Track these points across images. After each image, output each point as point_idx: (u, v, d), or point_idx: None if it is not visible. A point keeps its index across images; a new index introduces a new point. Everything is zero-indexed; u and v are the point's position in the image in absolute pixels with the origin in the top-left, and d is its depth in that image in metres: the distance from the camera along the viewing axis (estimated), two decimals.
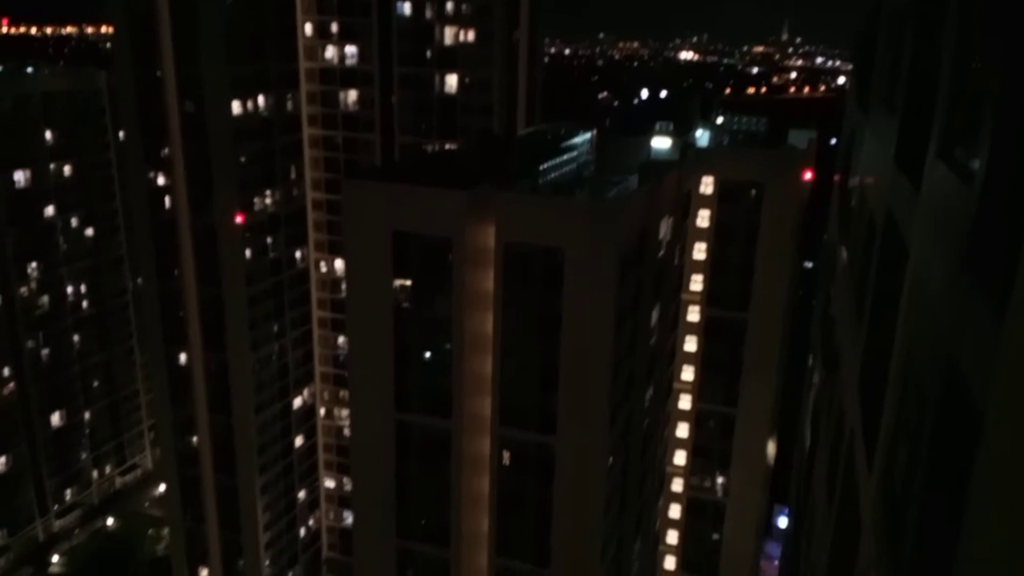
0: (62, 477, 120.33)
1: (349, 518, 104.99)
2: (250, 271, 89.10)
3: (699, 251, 64.24)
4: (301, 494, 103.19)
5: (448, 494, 49.59)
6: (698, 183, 63.36)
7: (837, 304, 24.78)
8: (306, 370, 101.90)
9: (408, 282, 48.47)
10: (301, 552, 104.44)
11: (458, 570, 50.74)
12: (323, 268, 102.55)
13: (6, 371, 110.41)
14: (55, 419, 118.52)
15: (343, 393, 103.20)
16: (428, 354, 50.11)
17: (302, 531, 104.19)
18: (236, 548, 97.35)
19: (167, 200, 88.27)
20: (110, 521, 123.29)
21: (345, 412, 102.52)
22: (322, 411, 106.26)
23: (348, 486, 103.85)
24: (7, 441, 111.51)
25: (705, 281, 64.65)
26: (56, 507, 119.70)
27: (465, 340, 46.69)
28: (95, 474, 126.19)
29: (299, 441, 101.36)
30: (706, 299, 65.01)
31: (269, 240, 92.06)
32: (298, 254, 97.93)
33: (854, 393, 15.63)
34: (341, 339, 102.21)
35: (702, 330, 65.63)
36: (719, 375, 66.29)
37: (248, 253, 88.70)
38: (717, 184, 63.65)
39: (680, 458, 68.97)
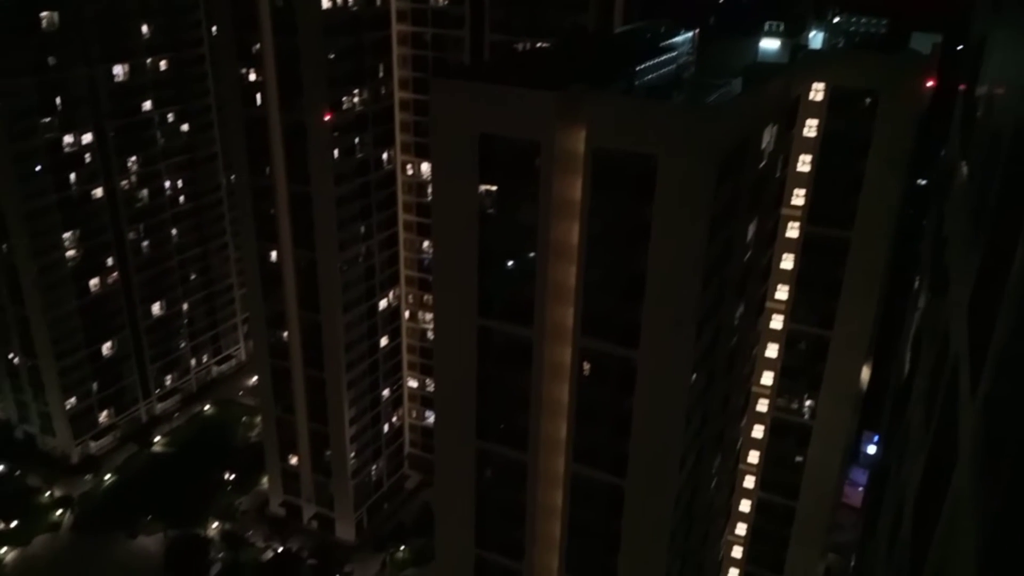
0: (163, 363, 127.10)
1: (431, 417, 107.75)
2: (338, 170, 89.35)
3: (803, 163, 60.27)
4: (385, 392, 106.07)
5: (528, 400, 49.37)
6: (808, 89, 58.92)
7: (951, 223, 22.95)
8: (391, 273, 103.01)
9: (494, 187, 47.05)
10: (385, 447, 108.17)
11: (535, 473, 50.99)
12: (409, 171, 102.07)
13: (110, 261, 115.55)
14: (155, 308, 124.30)
15: (427, 297, 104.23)
16: (512, 261, 49.04)
17: (386, 427, 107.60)
18: (323, 439, 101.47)
19: (258, 96, 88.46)
20: (207, 407, 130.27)
21: (429, 316, 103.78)
22: (407, 314, 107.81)
23: (431, 387, 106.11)
24: (112, 327, 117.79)
25: (808, 196, 60.85)
26: (157, 391, 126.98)
27: (550, 248, 45.33)
28: (193, 362, 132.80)
29: (384, 341, 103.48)
30: (807, 215, 61.37)
31: (356, 140, 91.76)
32: (385, 155, 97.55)
33: (963, 316, 15.04)
34: (426, 243, 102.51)
35: (800, 247, 62.28)
36: (815, 295, 63.17)
37: (336, 152, 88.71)
38: (828, 91, 59.06)
39: (767, 378, 66.88)
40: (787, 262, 63.25)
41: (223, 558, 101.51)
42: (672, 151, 41.50)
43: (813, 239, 61.92)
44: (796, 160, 60.47)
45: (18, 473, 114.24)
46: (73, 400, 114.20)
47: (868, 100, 58.31)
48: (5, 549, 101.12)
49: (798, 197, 61.41)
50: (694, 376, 47.04)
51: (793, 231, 62.32)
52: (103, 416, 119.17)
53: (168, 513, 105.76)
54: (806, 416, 67.12)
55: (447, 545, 57.18)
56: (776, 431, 68.67)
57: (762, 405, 68.26)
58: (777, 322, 65.15)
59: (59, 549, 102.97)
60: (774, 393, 67.44)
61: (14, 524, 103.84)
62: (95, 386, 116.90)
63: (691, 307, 43.94)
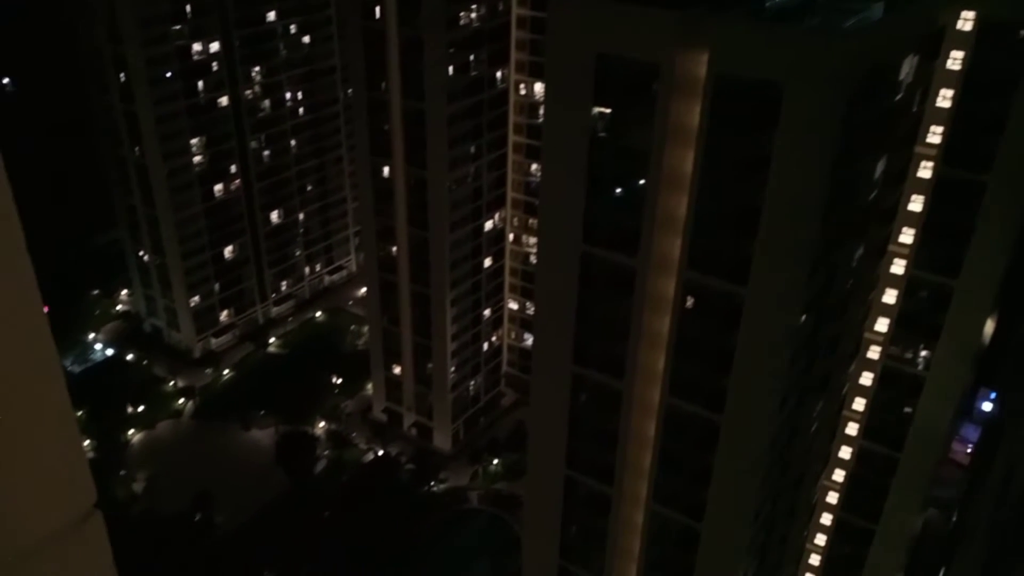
0: (279, 269, 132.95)
1: (529, 339, 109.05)
2: (451, 88, 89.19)
3: (943, 98, 55.97)
4: (486, 312, 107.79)
5: (627, 329, 49.09)
6: (955, 18, 54.26)
7: None
8: (498, 194, 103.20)
9: (608, 110, 45.89)
10: (483, 364, 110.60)
11: (629, 402, 51.09)
12: (522, 91, 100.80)
13: (233, 168, 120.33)
14: (274, 216, 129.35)
15: (532, 221, 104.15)
16: (621, 188, 48.11)
17: (485, 346, 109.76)
18: (426, 352, 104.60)
19: (377, 9, 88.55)
20: (318, 314, 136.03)
21: (533, 240, 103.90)
22: (511, 236, 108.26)
23: (531, 309, 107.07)
24: (234, 231, 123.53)
25: (945, 134, 56.73)
26: (273, 295, 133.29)
27: (662, 176, 44.13)
28: (307, 270, 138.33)
29: (488, 262, 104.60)
30: (942, 154, 57.35)
31: (471, 57, 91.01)
32: (499, 74, 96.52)
33: None
34: (535, 166, 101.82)
35: (932, 189, 58.46)
36: (943, 241, 59.46)
37: (450, 69, 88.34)
38: (978, 21, 54.23)
39: (882, 325, 64.05)
40: (915, 204, 59.62)
41: (328, 455, 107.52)
42: (800, 80, 39.21)
43: (946, 181, 57.98)
44: (936, 94, 56.24)
45: (145, 363, 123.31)
46: (197, 298, 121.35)
47: (1022, 32, 53.28)
48: (133, 431, 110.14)
49: (934, 135, 57.35)
50: (803, 317, 45.52)
51: (926, 171, 58.47)
52: (223, 315, 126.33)
53: (279, 410, 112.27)
54: (920, 367, 64.26)
55: (539, 463, 58.47)
56: (886, 380, 66.13)
57: (873, 352, 65.68)
58: (898, 267, 61.95)
59: (180, 434, 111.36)
60: (887, 341, 64.69)
61: (141, 409, 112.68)
62: (217, 286, 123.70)
63: (806, 245, 42.19)
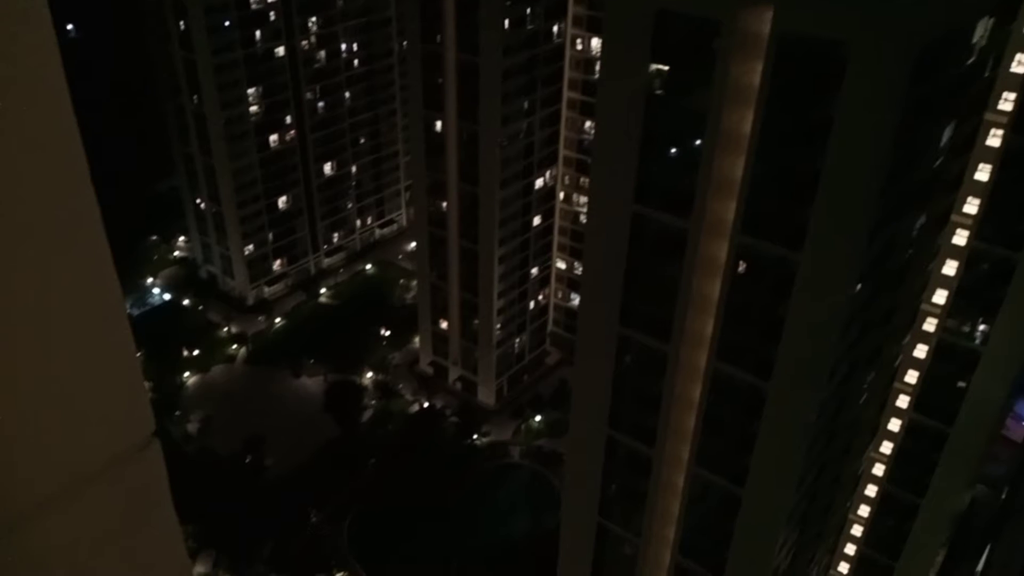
0: (331, 221, 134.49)
1: (576, 299, 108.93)
2: (507, 42, 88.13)
3: (1018, 64, 53.50)
4: (534, 270, 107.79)
5: (676, 292, 48.66)
6: None
7: None
8: (550, 152, 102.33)
9: (665, 67, 44.97)
10: (529, 322, 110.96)
11: (675, 365, 50.87)
12: (579, 46, 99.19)
13: (288, 119, 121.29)
14: (327, 168, 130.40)
15: (583, 180, 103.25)
16: (675, 148, 47.31)
17: (531, 304, 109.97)
18: (472, 308, 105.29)
19: None
20: (368, 266, 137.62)
21: (583, 199, 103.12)
22: (561, 195, 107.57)
23: (578, 270, 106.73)
24: (288, 182, 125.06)
25: (1017, 101, 54.34)
26: (325, 247, 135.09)
27: (719, 136, 43.25)
28: (358, 223, 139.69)
29: (537, 220, 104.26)
30: (1014, 122, 55.02)
31: (528, 11, 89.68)
32: (555, 29, 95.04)
33: None
34: (588, 124, 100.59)
35: (1001, 158, 56.27)
36: (1009, 212, 57.41)
37: (507, 22, 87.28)
38: None
39: (940, 297, 62.39)
40: (982, 173, 57.46)
41: (375, 405, 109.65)
42: (866, 41, 37.83)
43: (1016, 150, 55.71)
44: (1011, 59, 53.78)
45: (201, 308, 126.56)
46: (251, 247, 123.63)
47: None
48: (188, 374, 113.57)
49: (1006, 102, 54.97)
50: (859, 287, 44.57)
51: (995, 139, 56.23)
52: (276, 264, 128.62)
53: (329, 358, 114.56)
54: (977, 341, 62.60)
55: (581, 422, 58.80)
56: (941, 353, 64.63)
57: (929, 324, 64.14)
58: (960, 238, 60.04)
59: (233, 378, 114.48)
60: (945, 313, 63.06)
61: (196, 352, 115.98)
62: (271, 236, 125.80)
63: (865, 213, 41.11)
